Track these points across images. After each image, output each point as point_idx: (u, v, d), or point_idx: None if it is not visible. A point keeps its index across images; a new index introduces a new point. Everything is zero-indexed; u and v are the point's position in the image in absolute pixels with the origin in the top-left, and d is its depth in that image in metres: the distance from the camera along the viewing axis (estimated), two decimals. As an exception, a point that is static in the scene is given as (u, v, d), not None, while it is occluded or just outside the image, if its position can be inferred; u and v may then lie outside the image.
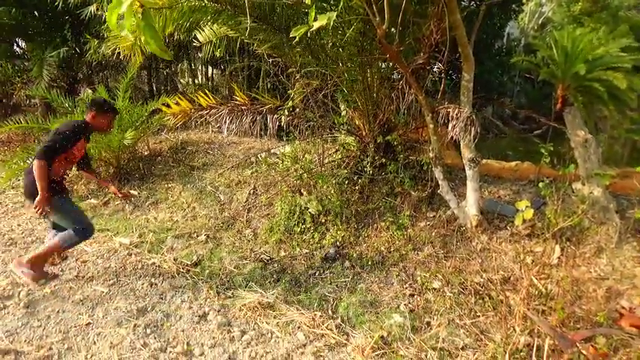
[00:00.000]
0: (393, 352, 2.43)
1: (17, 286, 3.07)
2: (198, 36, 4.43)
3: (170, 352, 2.47)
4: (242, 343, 2.54)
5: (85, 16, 6.31)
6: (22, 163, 4.99)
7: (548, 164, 3.58)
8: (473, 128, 3.21)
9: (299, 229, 3.93)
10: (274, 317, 2.76)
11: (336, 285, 3.16)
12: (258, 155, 5.37)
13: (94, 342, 2.54)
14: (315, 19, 1.88)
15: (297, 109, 4.35)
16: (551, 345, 2.24)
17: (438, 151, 3.69)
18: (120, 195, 3.40)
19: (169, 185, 5.32)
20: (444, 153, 3.99)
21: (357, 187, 4.19)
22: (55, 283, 3.12)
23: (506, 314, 2.55)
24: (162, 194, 5.11)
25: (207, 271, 3.36)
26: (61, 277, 3.22)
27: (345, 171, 4.33)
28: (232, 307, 2.88)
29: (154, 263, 3.48)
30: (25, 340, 2.54)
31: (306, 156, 4.84)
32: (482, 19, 4.02)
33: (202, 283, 3.18)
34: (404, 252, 3.55)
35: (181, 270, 3.34)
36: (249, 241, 3.97)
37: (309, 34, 3.06)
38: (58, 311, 2.82)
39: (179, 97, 4.12)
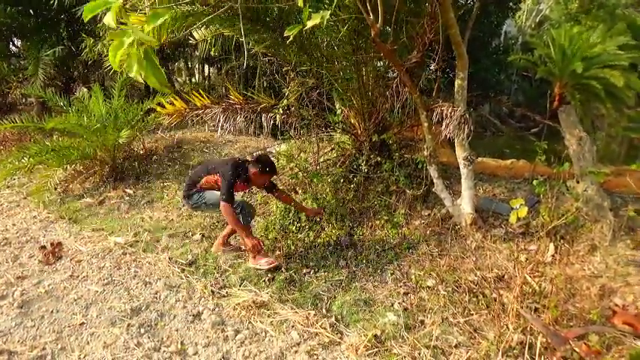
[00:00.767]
0: (386, 350, 2.43)
1: (11, 286, 3.07)
2: (194, 33, 4.41)
3: (164, 351, 2.46)
4: (236, 342, 2.54)
5: (81, 14, 6.29)
6: (17, 163, 4.96)
7: (544, 162, 3.59)
8: (466, 127, 3.22)
9: (294, 228, 3.93)
10: (268, 316, 2.76)
11: (331, 284, 3.16)
12: (254, 154, 5.35)
13: (88, 342, 2.53)
14: (309, 18, 1.87)
15: (293, 108, 4.34)
16: (544, 343, 2.25)
17: (433, 149, 3.69)
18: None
19: (165, 184, 5.31)
20: (438, 151, 4.00)
21: (352, 186, 4.19)
22: (49, 282, 3.13)
23: (500, 312, 2.56)
24: (157, 193, 5.09)
25: (202, 270, 3.36)
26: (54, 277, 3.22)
27: (341, 169, 4.33)
28: (226, 306, 2.87)
29: (148, 262, 3.48)
30: (18, 341, 2.53)
31: (301, 154, 4.84)
32: (477, 18, 4.02)
33: (197, 282, 3.17)
34: (398, 250, 3.55)
35: (176, 269, 3.34)
36: (244, 240, 3.96)
37: (303, 33, 3.06)
38: (51, 311, 2.81)
39: (174, 97, 4.09)
